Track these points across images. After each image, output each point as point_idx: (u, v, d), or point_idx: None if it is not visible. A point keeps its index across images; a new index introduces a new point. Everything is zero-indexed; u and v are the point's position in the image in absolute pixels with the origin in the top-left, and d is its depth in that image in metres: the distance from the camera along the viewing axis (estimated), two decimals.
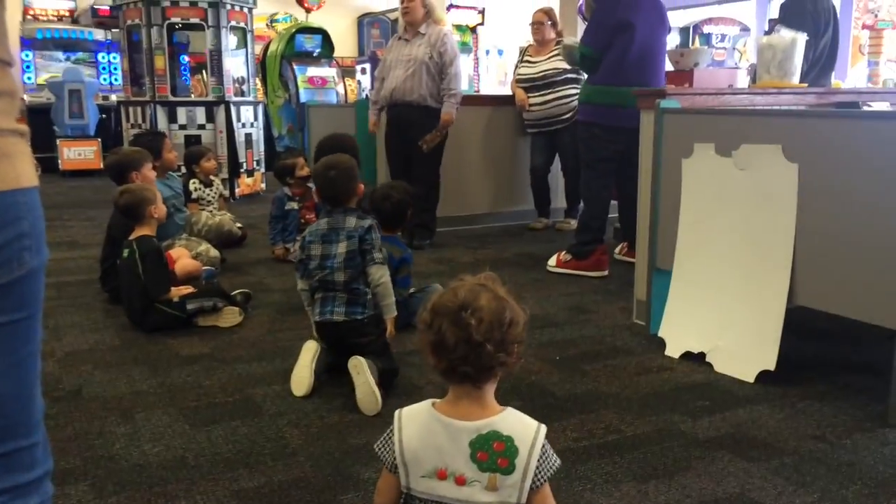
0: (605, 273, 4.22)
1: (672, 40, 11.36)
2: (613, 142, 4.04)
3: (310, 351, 2.60)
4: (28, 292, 0.89)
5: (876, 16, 11.77)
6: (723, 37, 11.05)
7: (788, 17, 3.89)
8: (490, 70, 13.49)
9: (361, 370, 2.44)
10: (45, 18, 11.33)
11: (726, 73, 5.71)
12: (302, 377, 2.55)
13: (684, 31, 10.90)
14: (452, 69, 4.81)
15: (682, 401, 2.49)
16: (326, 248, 2.65)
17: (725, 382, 2.64)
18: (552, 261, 4.36)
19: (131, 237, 3.38)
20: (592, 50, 4.00)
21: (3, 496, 0.88)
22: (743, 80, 5.73)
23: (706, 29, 10.98)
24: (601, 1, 4.05)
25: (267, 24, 12.70)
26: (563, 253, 4.33)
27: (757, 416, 2.37)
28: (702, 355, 2.83)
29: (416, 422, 1.31)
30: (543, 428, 1.29)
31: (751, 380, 2.62)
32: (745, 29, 11.34)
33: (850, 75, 11.55)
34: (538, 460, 1.26)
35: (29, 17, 11.19)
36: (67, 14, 11.58)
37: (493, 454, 1.26)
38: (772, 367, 2.58)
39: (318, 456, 2.11)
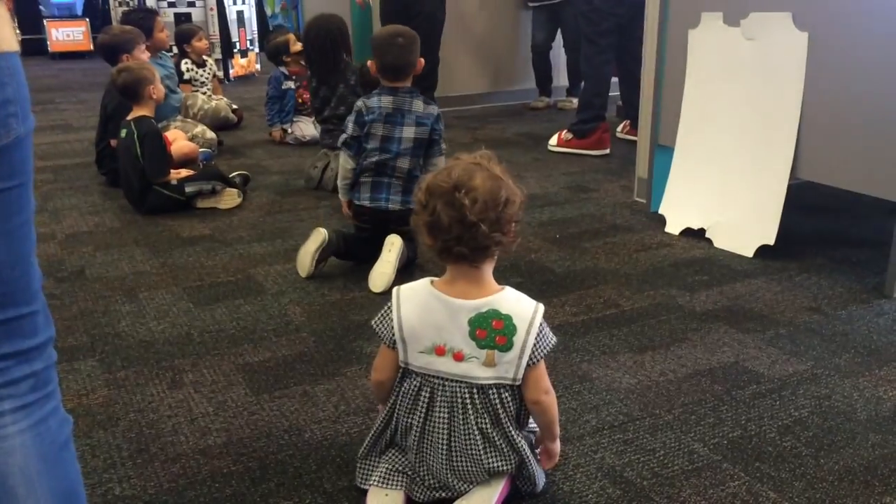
0: (607, 151, 4.17)
1: None
2: (614, 14, 3.90)
3: (316, 241, 2.51)
4: (17, 160, 0.86)
5: None
6: None
7: None
8: None
9: (394, 249, 2.44)
10: None
11: None
12: (304, 262, 2.52)
13: None
14: None
15: (681, 276, 2.51)
16: (389, 129, 2.49)
17: (724, 257, 2.66)
18: (553, 140, 4.30)
19: (129, 117, 3.32)
20: None
21: (8, 360, 0.89)
22: None
23: None
24: None
25: None
26: (565, 132, 4.26)
27: (754, 289, 2.39)
28: (702, 231, 2.83)
29: (414, 299, 1.32)
30: (541, 307, 1.30)
31: (750, 254, 2.63)
32: None
33: None
34: (535, 338, 1.28)
35: None
36: None
37: (492, 332, 1.27)
38: (771, 241, 2.58)
39: (321, 332, 2.15)
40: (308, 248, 2.52)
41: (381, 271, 2.42)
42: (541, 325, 1.29)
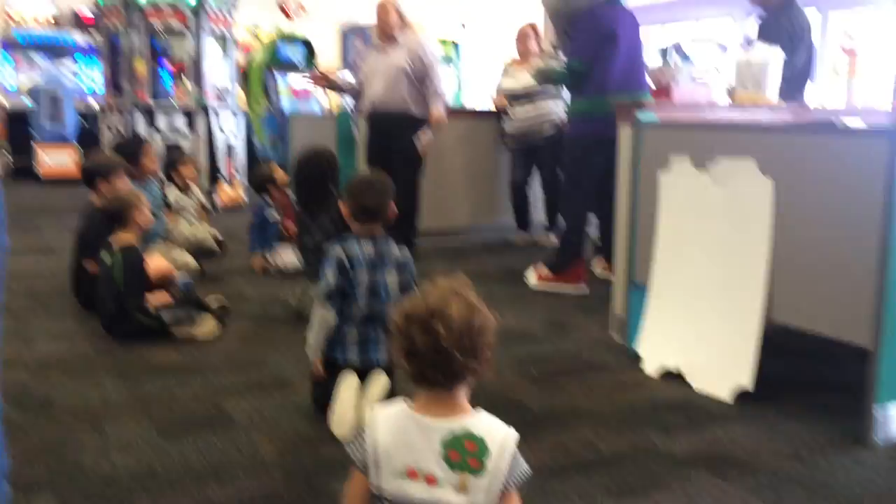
0: (586, 291, 4.22)
1: (652, 59, 11.48)
2: (601, 153, 4.07)
3: (351, 386, 2.33)
4: None
5: (852, 38, 11.96)
6: (700, 54, 11.15)
7: (765, 34, 3.93)
8: (472, 84, 13.53)
9: (379, 387, 2.35)
10: (24, 22, 11.23)
11: (704, 89, 5.75)
12: (345, 416, 2.28)
13: (664, 51, 11.00)
14: (434, 72, 4.82)
15: (659, 417, 2.49)
16: (374, 276, 2.40)
17: (702, 400, 2.64)
18: (532, 277, 4.36)
19: (114, 243, 3.33)
20: (579, 62, 4.04)
21: None
22: (720, 97, 5.78)
23: (684, 46, 11.08)
24: (583, 16, 4.08)
25: (250, 34, 12.67)
26: (541, 266, 4.33)
27: (733, 434, 2.37)
28: (679, 372, 2.83)
29: (389, 419, 1.31)
30: (514, 433, 1.29)
31: (727, 398, 2.62)
32: (724, 47, 11.46)
33: (828, 95, 11.71)
34: (508, 463, 1.26)
35: (9, 19, 11.09)
36: (50, 21, 11.49)
37: (465, 454, 1.26)
38: (748, 385, 2.58)
39: (292, 469, 2.08)
40: (346, 398, 2.30)
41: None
42: (514, 451, 1.28)
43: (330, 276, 2.38)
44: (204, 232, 4.97)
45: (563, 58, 4.63)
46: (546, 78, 4.51)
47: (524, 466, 1.29)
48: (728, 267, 2.74)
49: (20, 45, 10.54)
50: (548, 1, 4.23)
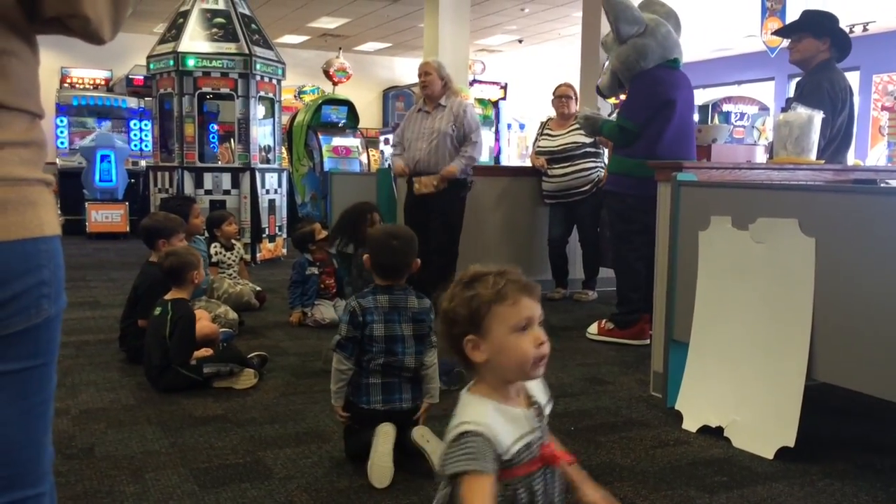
0: (648, 342, 4.19)
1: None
2: (647, 212, 4.07)
3: (389, 436, 2.36)
4: (44, 339, 0.90)
5: (895, 97, 11.89)
6: (742, 115, 11.16)
7: (805, 95, 3.94)
8: (511, 143, 13.71)
9: (431, 437, 2.37)
10: (81, 87, 11.77)
11: (744, 149, 5.75)
12: (385, 466, 2.30)
13: (703, 109, 11.03)
14: (474, 137, 4.90)
15: (699, 476, 2.44)
16: (391, 329, 2.44)
17: (744, 458, 2.59)
18: (593, 328, 4.35)
19: (167, 297, 3.43)
20: (633, 124, 4.09)
21: None
22: (761, 157, 5.76)
23: (725, 107, 11.10)
24: (645, 78, 4.14)
25: (295, 96, 13.07)
26: (605, 321, 4.32)
27: (776, 493, 2.31)
28: (720, 430, 2.78)
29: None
30: (470, 425, 1.26)
31: (770, 456, 2.56)
32: (765, 108, 11.47)
33: (871, 155, 11.60)
34: (447, 447, 1.28)
35: (66, 84, 11.61)
36: (103, 83, 12.01)
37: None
38: (791, 443, 2.52)
39: None
40: (384, 451, 2.32)
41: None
42: (457, 438, 1.26)
43: (343, 327, 2.45)
44: (245, 288, 5.07)
45: (604, 109, 4.68)
46: (593, 128, 4.53)
47: (457, 461, 1.27)
48: (770, 325, 2.71)
49: (74, 108, 11.02)
50: (620, 53, 4.23)
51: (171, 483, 2.33)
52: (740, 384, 2.78)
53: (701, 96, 12.69)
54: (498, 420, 1.29)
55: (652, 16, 4.22)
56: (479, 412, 1.29)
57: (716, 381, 2.89)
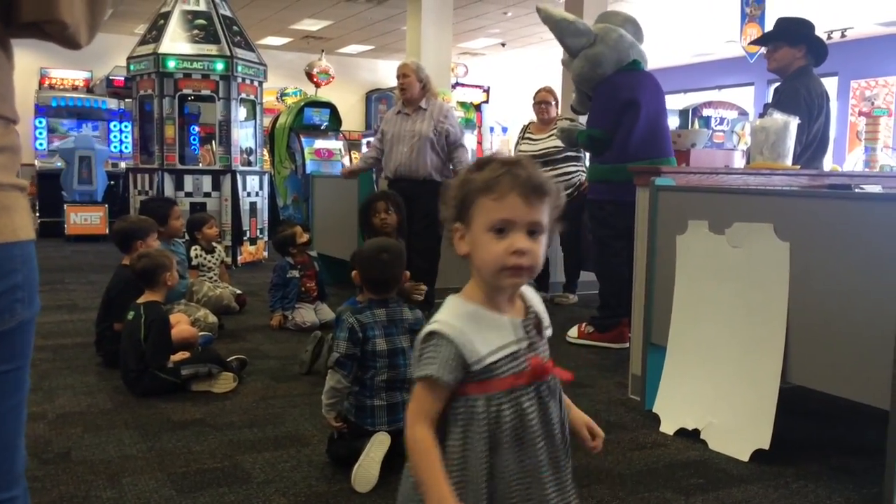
0: (627, 345, 4.22)
1: (671, 122, 11.61)
2: (626, 217, 4.10)
3: (383, 445, 2.37)
4: (18, 343, 0.90)
5: (872, 103, 12.05)
6: (721, 120, 11.28)
7: (782, 101, 3.99)
8: (494, 147, 13.74)
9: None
10: (61, 87, 11.67)
11: (722, 154, 5.82)
12: (371, 472, 2.32)
13: (683, 114, 11.14)
14: (459, 141, 4.92)
15: (676, 478, 2.46)
16: (392, 342, 2.44)
17: (720, 461, 2.62)
18: (573, 332, 4.37)
19: (140, 300, 3.40)
20: (599, 131, 4.13)
21: None
22: (739, 162, 5.84)
23: (705, 112, 11.22)
24: (604, 85, 4.17)
25: (277, 98, 13.03)
26: (585, 325, 4.35)
27: (751, 495, 2.34)
28: (696, 432, 2.80)
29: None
30: (440, 325, 1.21)
31: (745, 458, 2.59)
32: (744, 113, 11.59)
33: (848, 160, 11.75)
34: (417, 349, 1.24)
35: (45, 85, 11.51)
36: (83, 84, 11.92)
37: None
38: (766, 445, 2.55)
39: None
40: (374, 457, 2.34)
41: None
42: (425, 339, 1.22)
43: (342, 344, 2.41)
44: (225, 292, 5.05)
45: (583, 123, 4.71)
46: (570, 139, 4.58)
47: (424, 365, 1.22)
48: (746, 329, 2.74)
49: (53, 109, 10.92)
50: (574, 67, 4.29)
51: (149, 488, 2.31)
52: (717, 387, 2.81)
53: (681, 101, 12.84)
54: (473, 324, 1.20)
55: (602, 24, 4.28)
56: (453, 313, 1.22)
57: (693, 383, 2.91)
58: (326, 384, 2.46)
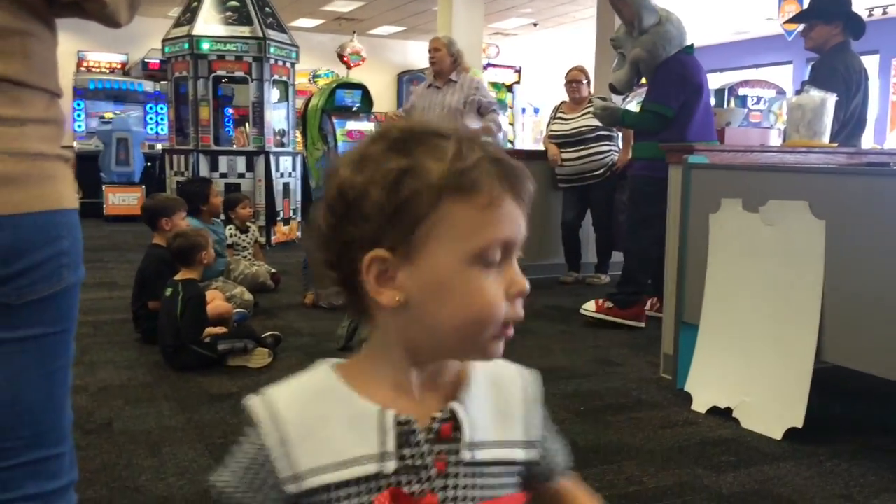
0: (643, 325, 4.21)
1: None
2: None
3: None
4: (65, 307, 0.94)
5: None
6: (758, 99, 11.09)
7: (819, 78, 3.92)
8: (526, 127, 13.68)
9: None
10: (97, 70, 11.84)
11: (758, 132, 5.72)
12: None
13: (719, 93, 10.97)
14: (492, 108, 4.93)
15: (707, 455, 2.47)
16: None
17: (752, 438, 2.61)
18: (591, 305, 4.35)
19: (177, 278, 3.48)
20: (670, 109, 4.08)
21: (30, 502, 0.92)
22: (775, 141, 5.73)
23: (742, 91, 11.05)
24: (671, 64, 4.13)
25: (309, 80, 13.10)
26: (603, 300, 4.33)
27: (783, 473, 2.33)
28: (728, 410, 2.80)
29: None
30: (252, 405, 0.77)
31: (778, 437, 2.58)
32: (782, 92, 11.39)
33: (889, 139, 11.49)
34: None
35: (83, 68, 11.69)
36: (119, 66, 12.08)
37: None
38: (799, 424, 2.54)
39: None
40: None
41: None
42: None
43: None
44: (261, 269, 5.13)
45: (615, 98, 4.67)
46: (612, 117, 4.52)
47: None
48: (780, 307, 2.72)
49: (91, 92, 11.10)
50: (643, 43, 4.21)
51: (188, 457, 2.38)
52: (750, 365, 2.80)
53: (717, 80, 12.64)
54: (313, 414, 0.73)
55: (659, 6, 4.25)
56: (298, 389, 0.76)
57: (725, 362, 2.90)
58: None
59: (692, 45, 4.25)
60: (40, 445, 0.93)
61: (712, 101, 10.10)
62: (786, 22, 8.45)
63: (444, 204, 0.68)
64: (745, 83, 11.40)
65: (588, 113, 5.49)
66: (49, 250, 0.89)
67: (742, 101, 10.94)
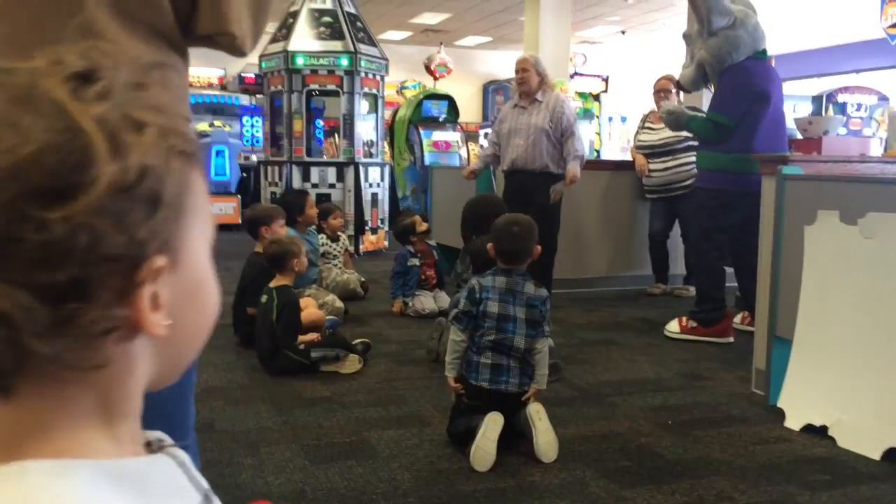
0: (731, 340, 4.14)
1: (804, 108, 11.07)
2: (739, 208, 4.01)
3: (497, 425, 2.43)
4: None
5: None
6: (859, 106, 10.66)
7: None
8: (613, 136, 13.55)
9: (544, 416, 2.50)
10: (197, 84, 12.40)
11: (857, 141, 5.54)
12: (488, 452, 2.39)
13: (817, 100, 10.61)
14: (574, 131, 4.91)
15: (801, 473, 2.41)
16: (504, 308, 2.56)
17: (849, 458, 2.54)
18: (674, 326, 4.29)
19: (272, 284, 3.64)
20: (728, 118, 4.01)
21: None
22: (877, 149, 5.54)
23: (841, 97, 10.64)
24: (736, 71, 4.06)
25: (397, 91, 13.35)
26: (686, 319, 4.27)
27: (881, 494, 2.26)
28: (824, 429, 2.72)
29: None
30: None
31: (876, 457, 2.50)
32: (884, 98, 10.90)
33: None
34: None
35: None
36: (217, 81, 12.62)
37: None
38: None
39: (428, 498, 2.19)
40: (490, 437, 2.40)
41: (547, 442, 2.46)
42: None
43: (462, 301, 2.61)
44: (352, 277, 5.28)
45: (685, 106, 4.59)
46: (677, 123, 4.47)
47: None
48: (879, 323, 2.64)
49: (192, 106, 11.63)
50: (711, 47, 4.14)
51: (284, 457, 2.49)
52: (846, 383, 2.72)
53: (816, 86, 12.19)
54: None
55: (739, 7, 4.13)
56: None
57: (821, 378, 2.83)
58: (449, 339, 2.65)
59: (765, 51, 4.12)
60: (171, 437, 1.02)
61: (808, 109, 9.78)
62: (892, 26, 8.11)
63: (193, 176, 0.51)
64: (845, 89, 10.97)
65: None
66: None
67: (841, 107, 10.53)
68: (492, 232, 2.69)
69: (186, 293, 0.52)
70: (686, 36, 4.42)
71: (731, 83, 4.09)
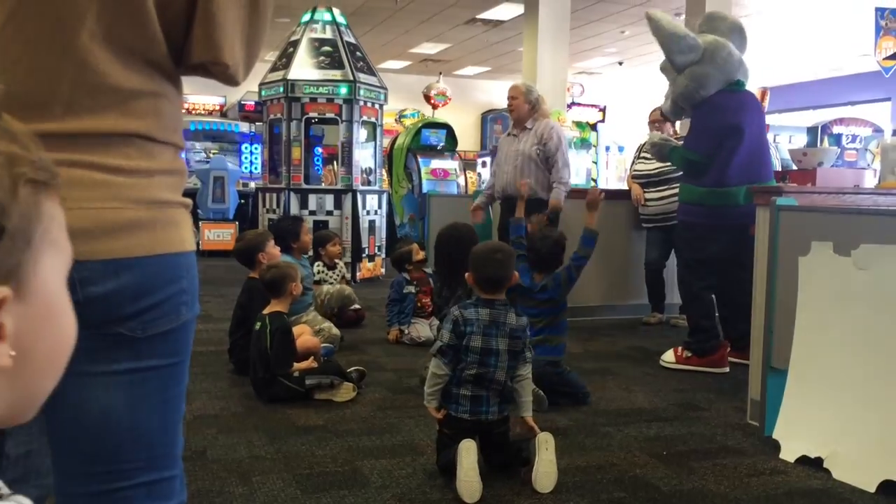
0: (727, 370, 4.12)
1: (799, 140, 11.14)
2: (715, 241, 4.02)
3: (471, 451, 2.40)
4: (182, 340, 1.04)
5: None
6: (854, 137, 10.74)
7: None
8: (609, 166, 13.61)
9: (551, 447, 2.48)
10: (196, 112, 12.48)
11: (852, 173, 5.58)
12: (472, 482, 2.36)
13: (812, 131, 10.67)
14: (559, 157, 4.94)
15: None
16: (487, 342, 2.53)
17: (844, 490, 2.52)
18: (669, 356, 4.28)
19: (265, 311, 3.63)
20: (698, 155, 4.02)
21: None
22: (871, 181, 5.58)
23: (836, 129, 10.71)
24: (705, 107, 4.07)
25: (395, 119, 13.44)
26: (681, 350, 4.26)
27: None
28: (819, 460, 2.71)
29: None
30: None
31: (872, 489, 2.49)
32: (879, 130, 10.98)
33: None
34: None
35: (183, 110, 12.36)
36: (217, 109, 12.71)
37: None
38: (895, 476, 2.44)
39: None
40: (468, 465, 2.37)
41: (546, 472, 2.45)
42: None
43: (445, 334, 2.57)
44: (346, 286, 5.30)
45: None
46: (661, 155, 4.51)
47: None
48: (874, 354, 2.64)
49: (191, 133, 11.69)
50: (678, 84, 4.19)
51: (276, 487, 2.47)
52: (842, 414, 2.71)
53: (811, 117, 12.29)
54: None
55: (711, 38, 4.09)
56: None
57: (816, 410, 2.82)
58: (428, 371, 2.62)
59: (740, 82, 4.11)
60: (155, 468, 1.01)
61: (804, 140, 9.83)
62: (886, 58, 8.19)
63: (43, 199, 0.51)
64: (840, 121, 11.05)
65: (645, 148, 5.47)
66: (171, 289, 0.99)
67: (836, 139, 10.60)
68: (471, 260, 2.66)
69: (36, 323, 0.51)
70: (663, 69, 4.45)
71: (702, 119, 4.11)
